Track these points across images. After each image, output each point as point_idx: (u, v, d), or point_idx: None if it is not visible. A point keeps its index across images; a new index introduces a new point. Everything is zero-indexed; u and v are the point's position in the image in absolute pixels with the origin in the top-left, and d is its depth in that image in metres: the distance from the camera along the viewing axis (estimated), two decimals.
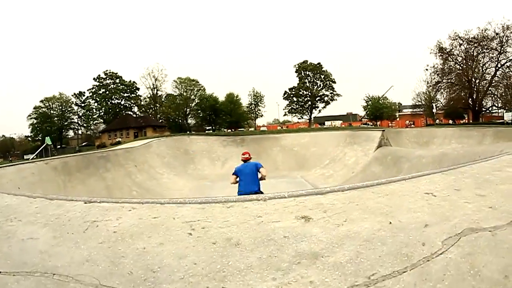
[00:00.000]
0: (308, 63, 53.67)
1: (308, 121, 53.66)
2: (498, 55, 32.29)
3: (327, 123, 50.31)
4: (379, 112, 49.25)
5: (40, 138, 52.85)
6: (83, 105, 58.76)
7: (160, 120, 57.93)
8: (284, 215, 2.30)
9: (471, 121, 33.18)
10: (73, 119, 60.08)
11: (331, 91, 52.56)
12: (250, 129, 51.25)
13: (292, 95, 53.93)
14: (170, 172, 16.85)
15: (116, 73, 57.90)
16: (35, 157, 31.68)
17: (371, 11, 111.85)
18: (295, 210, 2.38)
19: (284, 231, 2.02)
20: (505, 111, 33.42)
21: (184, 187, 14.92)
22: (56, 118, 57.17)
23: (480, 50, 33.46)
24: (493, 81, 33.38)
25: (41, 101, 57.05)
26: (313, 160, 18.84)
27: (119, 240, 2.08)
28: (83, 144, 57.57)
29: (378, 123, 47.88)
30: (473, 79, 34.51)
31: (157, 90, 58.49)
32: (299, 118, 56.30)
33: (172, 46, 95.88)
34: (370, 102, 51.87)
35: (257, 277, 1.57)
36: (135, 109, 60.52)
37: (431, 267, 1.46)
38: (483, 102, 34.81)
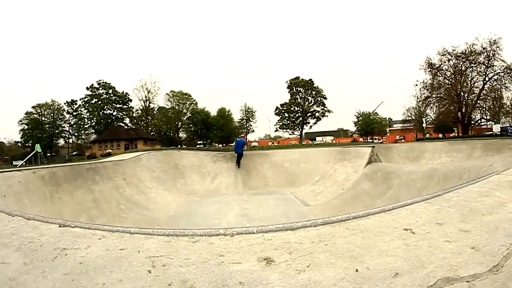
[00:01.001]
0: (300, 79, 54.40)
1: (299, 136, 53.91)
2: (485, 69, 33.30)
3: (318, 139, 50.69)
4: (370, 128, 49.77)
5: (30, 145, 52.54)
6: (75, 113, 58.83)
7: (152, 133, 57.71)
8: (246, 256, 2.11)
9: (460, 134, 33.60)
10: (64, 127, 59.84)
11: (322, 107, 53.20)
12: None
13: (283, 111, 54.39)
14: (159, 186, 16.53)
15: (109, 84, 58.31)
16: (24, 163, 31.29)
17: (362, 28, 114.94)
18: (260, 249, 2.18)
19: (241, 276, 1.84)
20: (493, 123, 33.92)
21: (172, 202, 14.61)
22: (47, 125, 56.83)
23: (468, 64, 34.47)
24: (481, 95, 34.23)
25: (33, 107, 56.86)
26: (303, 176, 18.71)
27: (83, 272, 2.04)
28: (73, 153, 56.76)
29: (377, 138, 48.12)
30: (462, 93, 35.39)
31: (149, 103, 58.75)
32: (290, 134, 56.73)
33: (166, 59, 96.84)
34: (361, 117, 52.46)
35: None
36: (127, 120, 60.89)
37: None
38: (472, 115, 35.56)
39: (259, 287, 1.71)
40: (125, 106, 59.62)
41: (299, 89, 53.78)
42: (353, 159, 16.66)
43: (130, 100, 59.47)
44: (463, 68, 35.08)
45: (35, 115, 56.42)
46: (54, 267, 2.11)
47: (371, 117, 52.05)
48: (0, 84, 78.50)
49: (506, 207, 2.50)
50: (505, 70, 32.61)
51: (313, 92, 53.12)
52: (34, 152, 35.82)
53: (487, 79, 33.80)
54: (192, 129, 55.95)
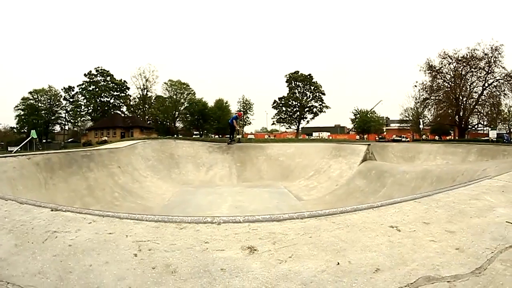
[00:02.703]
0: (299, 73, 54.20)
1: (295, 131, 53.95)
2: (485, 75, 33.39)
3: (315, 134, 50.75)
4: (367, 126, 49.84)
5: (25, 131, 52.28)
6: (71, 100, 58.36)
7: (148, 122, 57.48)
8: (231, 244, 2.15)
9: (456, 138, 33.81)
10: (60, 113, 59.56)
11: (320, 103, 53.17)
12: (237, 136, 51.03)
13: (281, 105, 54.30)
14: (154, 175, 16.52)
15: (108, 71, 57.63)
16: (19, 149, 31.23)
17: (364, 26, 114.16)
18: (244, 238, 2.21)
19: (223, 263, 1.89)
20: (490, 129, 34.18)
21: (166, 191, 14.62)
22: (43, 112, 56.48)
23: (469, 69, 34.52)
24: (480, 100, 34.38)
25: (30, 93, 56.45)
26: (298, 171, 18.76)
27: (71, 254, 2.11)
28: (69, 140, 56.46)
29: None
30: (461, 97, 35.51)
31: (147, 91, 58.29)
32: (287, 128, 56.69)
33: (165, 48, 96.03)
34: (358, 115, 52.50)
35: None
36: (124, 108, 60.50)
37: None
38: (469, 119, 35.71)
39: (240, 274, 1.74)
40: (122, 94, 59.17)
41: (298, 83, 53.60)
42: (348, 156, 16.70)
43: (128, 88, 59.02)
44: (463, 73, 35.17)
45: (31, 101, 55.94)
46: (44, 249, 2.17)
47: (368, 115, 52.07)
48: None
49: (495, 211, 2.51)
50: (505, 78, 32.76)
51: (312, 87, 53.01)
52: (29, 138, 35.62)
53: (486, 85, 33.98)
54: (189, 119, 55.75)
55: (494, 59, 32.86)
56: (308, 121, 54.03)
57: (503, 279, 1.46)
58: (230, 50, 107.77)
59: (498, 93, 33.63)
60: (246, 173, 20.48)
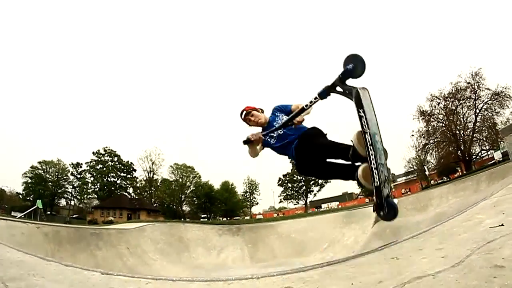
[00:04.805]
0: None
1: (304, 206, 53.22)
2: (474, 102, 34.17)
3: (324, 206, 49.90)
4: None
5: (31, 199, 51.58)
6: (79, 176, 58.82)
7: (155, 204, 57.17)
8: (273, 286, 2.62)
9: (464, 172, 32.83)
10: (67, 188, 59.30)
11: None
12: (246, 218, 50.43)
13: (286, 181, 54.73)
14: (164, 258, 16.20)
15: (115, 152, 59.89)
16: (23, 216, 30.54)
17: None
18: (281, 283, 2.66)
19: None
20: (494, 151, 33.40)
21: (177, 275, 14.17)
22: (50, 183, 56.51)
23: (457, 102, 35.54)
24: (476, 127, 34.57)
25: (39, 163, 57.12)
26: (311, 245, 18.36)
27: None
28: (74, 216, 55.09)
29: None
30: (457, 132, 35.84)
31: (153, 174, 59.40)
32: (295, 204, 55.88)
33: (171, 132, 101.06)
34: None
35: None
36: (131, 190, 60.51)
37: None
38: (471, 150, 35.25)
39: None
40: (129, 176, 60.14)
41: None
42: (360, 220, 16.66)
43: (135, 170, 60.17)
44: (453, 107, 36.04)
45: (39, 171, 56.36)
46: None
47: None
48: (7, 132, 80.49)
49: (482, 224, 2.75)
50: (492, 97, 33.33)
51: None
52: (35, 207, 35.57)
53: (477, 111, 34.38)
54: (196, 202, 55.73)
55: (478, 84, 33.96)
56: (315, 194, 53.85)
57: (476, 263, 1.83)
58: (233, 133, 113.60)
59: (491, 114, 33.89)
60: (258, 253, 19.97)
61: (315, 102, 3.15)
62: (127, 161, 60.17)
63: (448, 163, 38.39)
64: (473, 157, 36.21)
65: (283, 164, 60.08)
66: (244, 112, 3.88)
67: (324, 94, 3.05)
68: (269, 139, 3.60)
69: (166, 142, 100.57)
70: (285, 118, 3.52)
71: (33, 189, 54.23)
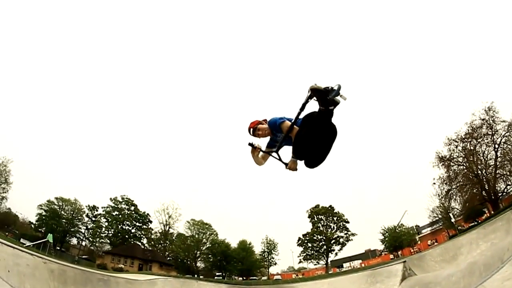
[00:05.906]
0: (320, 207, 54.69)
1: (325, 266, 49.85)
2: (492, 137, 32.53)
3: (346, 265, 46.57)
4: (398, 242, 45.74)
5: (42, 231, 51.26)
6: (93, 219, 58.66)
7: (168, 258, 55.35)
8: None
9: (492, 213, 29.88)
10: (80, 228, 58.95)
11: (346, 232, 51.25)
12: (263, 278, 47.56)
13: (306, 241, 52.63)
14: None
15: (132, 201, 60.13)
16: (31, 246, 30.47)
17: (366, 146, 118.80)
18: None
19: None
20: None
21: None
22: (64, 220, 56.13)
23: (475, 142, 34.02)
24: (498, 163, 32.45)
25: (56, 198, 57.28)
26: None
27: None
28: (83, 256, 53.34)
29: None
30: (479, 172, 33.80)
31: (169, 227, 58.62)
32: (315, 264, 52.56)
33: (188, 187, 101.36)
34: (387, 233, 48.85)
35: None
36: (144, 240, 59.46)
37: None
38: (496, 187, 32.69)
39: None
40: (144, 226, 59.51)
41: (320, 217, 53.29)
42: (385, 279, 15.44)
43: (150, 222, 59.66)
44: (472, 147, 34.60)
45: (55, 206, 56.34)
46: None
47: (397, 230, 48.43)
48: (30, 162, 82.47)
49: None
50: (509, 128, 31.90)
51: (335, 218, 52.21)
52: (45, 239, 35.23)
53: (496, 146, 32.80)
54: (211, 259, 53.53)
55: (492, 118, 32.73)
56: (336, 253, 50.71)
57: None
58: (252, 192, 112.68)
59: (511, 146, 32.14)
60: None
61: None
62: (144, 212, 60.21)
63: (474, 206, 35.92)
64: (499, 194, 33.83)
65: (302, 224, 58.11)
66: (251, 129, 4.42)
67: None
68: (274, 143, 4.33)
69: (183, 197, 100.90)
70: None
71: (46, 222, 54.41)
